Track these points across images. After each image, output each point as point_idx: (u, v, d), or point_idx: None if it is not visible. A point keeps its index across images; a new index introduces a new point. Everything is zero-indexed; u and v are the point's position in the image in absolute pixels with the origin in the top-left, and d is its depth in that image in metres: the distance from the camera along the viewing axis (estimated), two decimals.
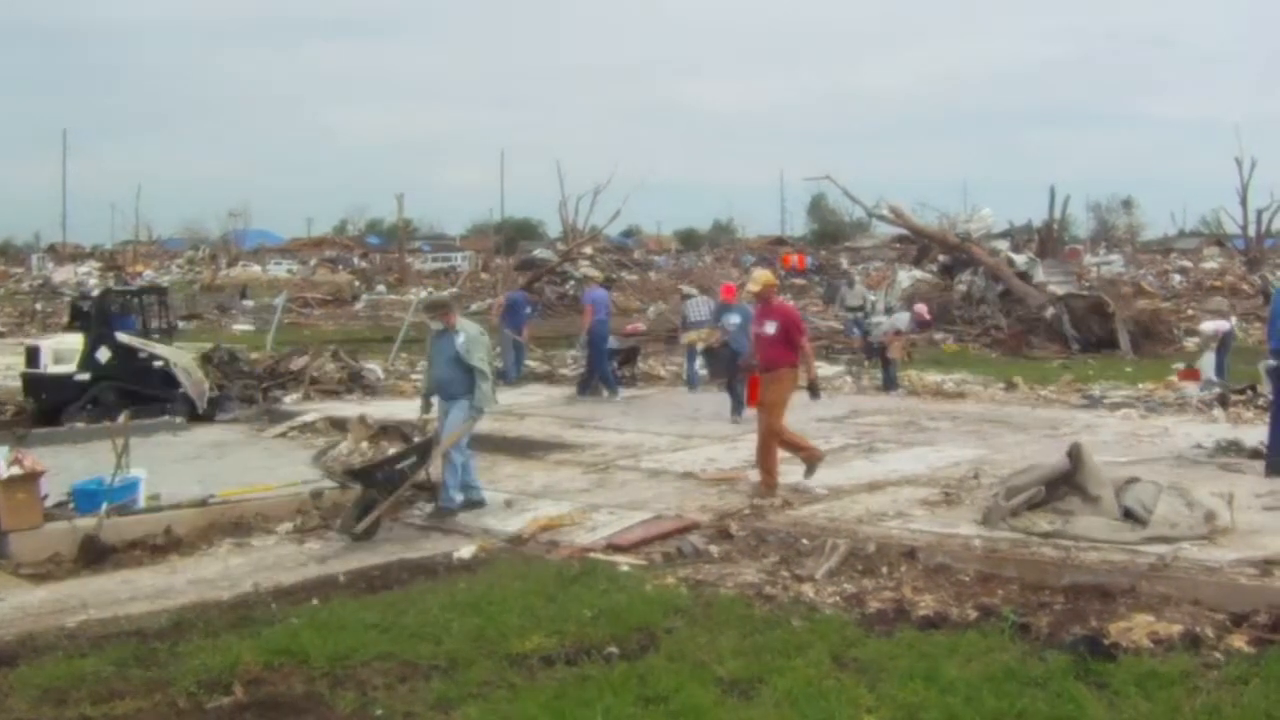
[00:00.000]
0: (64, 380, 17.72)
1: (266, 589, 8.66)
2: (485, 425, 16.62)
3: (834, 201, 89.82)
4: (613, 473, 12.88)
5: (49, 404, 17.65)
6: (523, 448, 14.91)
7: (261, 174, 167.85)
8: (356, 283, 59.95)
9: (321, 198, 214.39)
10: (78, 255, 79.80)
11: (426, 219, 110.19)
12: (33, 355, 18.45)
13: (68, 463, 13.05)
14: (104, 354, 17.73)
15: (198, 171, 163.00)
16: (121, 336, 17.97)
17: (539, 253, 55.78)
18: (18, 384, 18.90)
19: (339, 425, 17.24)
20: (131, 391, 17.42)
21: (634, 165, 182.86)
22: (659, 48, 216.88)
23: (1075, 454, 9.96)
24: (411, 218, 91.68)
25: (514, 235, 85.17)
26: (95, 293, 24.13)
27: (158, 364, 18.01)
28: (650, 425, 16.59)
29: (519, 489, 12.07)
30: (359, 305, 50.39)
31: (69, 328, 21.01)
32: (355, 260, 76.35)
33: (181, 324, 32.77)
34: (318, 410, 18.23)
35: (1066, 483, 9.89)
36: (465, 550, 9.73)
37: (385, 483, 10.34)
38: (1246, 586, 8.04)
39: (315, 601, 8.30)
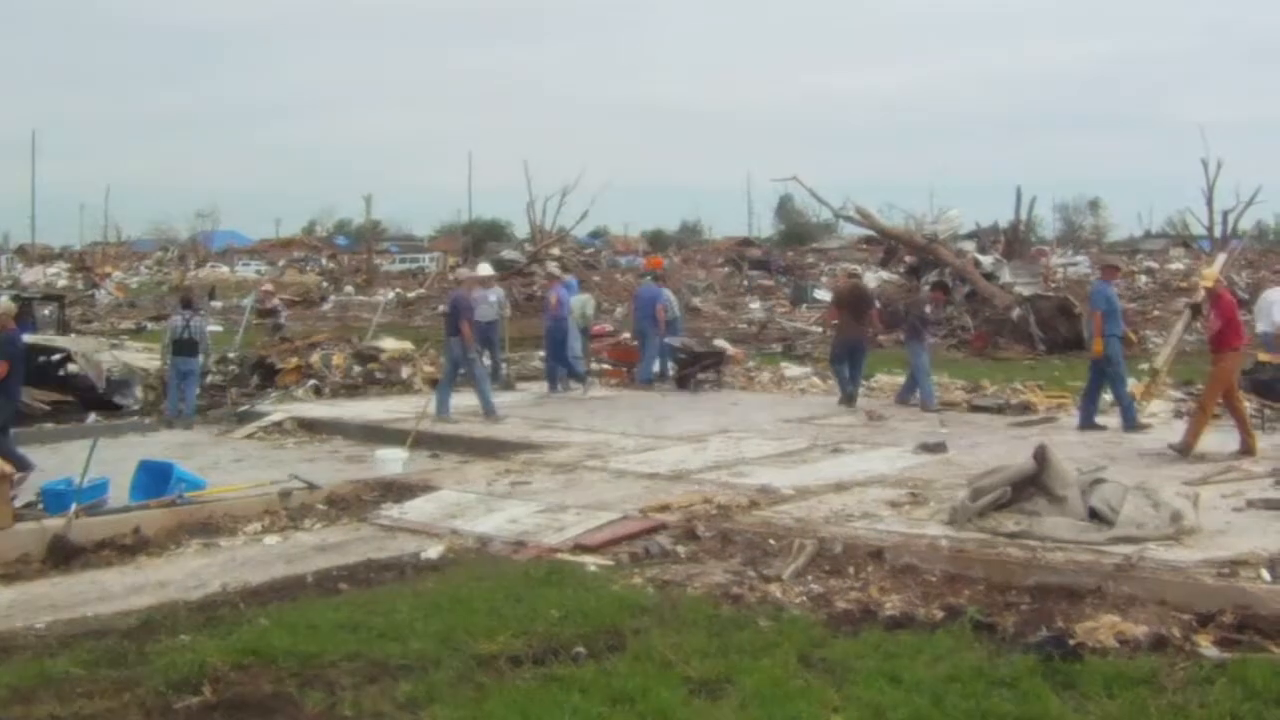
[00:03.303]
0: None
1: (235, 589, 8.63)
2: (453, 426, 16.75)
3: (801, 203, 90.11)
4: (580, 473, 12.88)
5: None
6: (491, 448, 14.92)
7: (230, 175, 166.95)
8: (324, 283, 59.73)
9: (290, 199, 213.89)
10: (47, 256, 79.08)
11: (394, 220, 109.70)
12: None
13: (37, 463, 13.00)
14: None
15: (166, 173, 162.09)
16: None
17: (506, 254, 55.70)
18: None
19: (307, 426, 17.24)
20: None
21: (602, 166, 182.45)
22: (635, 48, 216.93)
23: (1041, 455, 10.01)
24: (380, 219, 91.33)
25: (482, 236, 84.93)
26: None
27: (56, 357, 20.40)
28: (617, 426, 16.60)
29: (487, 490, 12.05)
30: (327, 306, 50.16)
31: None
32: (323, 261, 75.99)
33: (150, 324, 32.56)
34: (285, 410, 18.17)
35: (1033, 483, 9.93)
36: (433, 550, 9.72)
37: None
38: (1212, 586, 8.09)
39: (283, 602, 8.28)
